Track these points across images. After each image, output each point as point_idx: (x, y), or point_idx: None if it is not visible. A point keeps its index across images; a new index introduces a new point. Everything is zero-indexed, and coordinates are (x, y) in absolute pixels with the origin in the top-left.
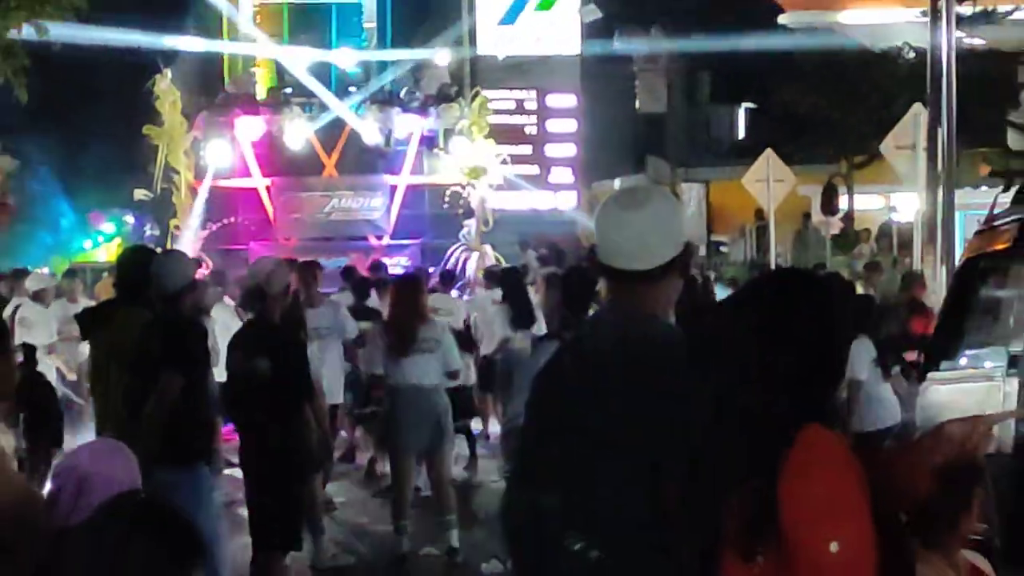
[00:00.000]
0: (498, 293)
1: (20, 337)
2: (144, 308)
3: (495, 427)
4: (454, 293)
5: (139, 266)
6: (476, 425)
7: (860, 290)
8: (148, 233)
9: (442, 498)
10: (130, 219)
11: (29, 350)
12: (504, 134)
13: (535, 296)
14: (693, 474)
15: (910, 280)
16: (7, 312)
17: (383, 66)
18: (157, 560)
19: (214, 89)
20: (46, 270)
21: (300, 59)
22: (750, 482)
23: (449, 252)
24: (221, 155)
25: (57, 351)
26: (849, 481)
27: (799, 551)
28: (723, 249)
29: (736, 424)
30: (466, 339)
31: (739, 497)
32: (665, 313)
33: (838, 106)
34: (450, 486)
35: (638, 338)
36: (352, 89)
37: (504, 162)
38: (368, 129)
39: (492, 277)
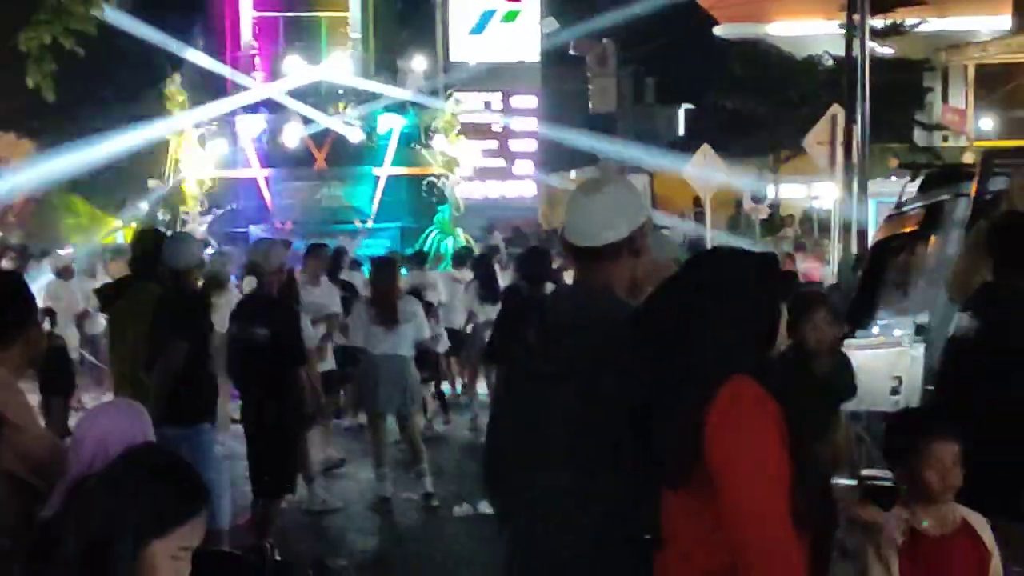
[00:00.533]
0: (466, 273)
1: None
2: (156, 283)
3: (459, 388)
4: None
5: (151, 246)
6: (446, 386)
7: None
8: (160, 218)
9: (415, 450)
10: (144, 206)
11: (50, 314)
12: (474, 130)
13: (502, 275)
14: (638, 431)
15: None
16: (36, 287)
17: (367, 71)
18: (169, 502)
19: (218, 91)
20: (69, 250)
21: (294, 74)
22: (682, 423)
23: (425, 235)
24: (224, 150)
25: (87, 318)
26: (766, 420)
27: (721, 482)
28: (665, 232)
29: (674, 382)
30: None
31: (672, 437)
32: (622, 289)
33: (766, 106)
34: (420, 439)
35: (596, 315)
36: (340, 91)
37: (474, 155)
38: (352, 131)
39: (461, 260)
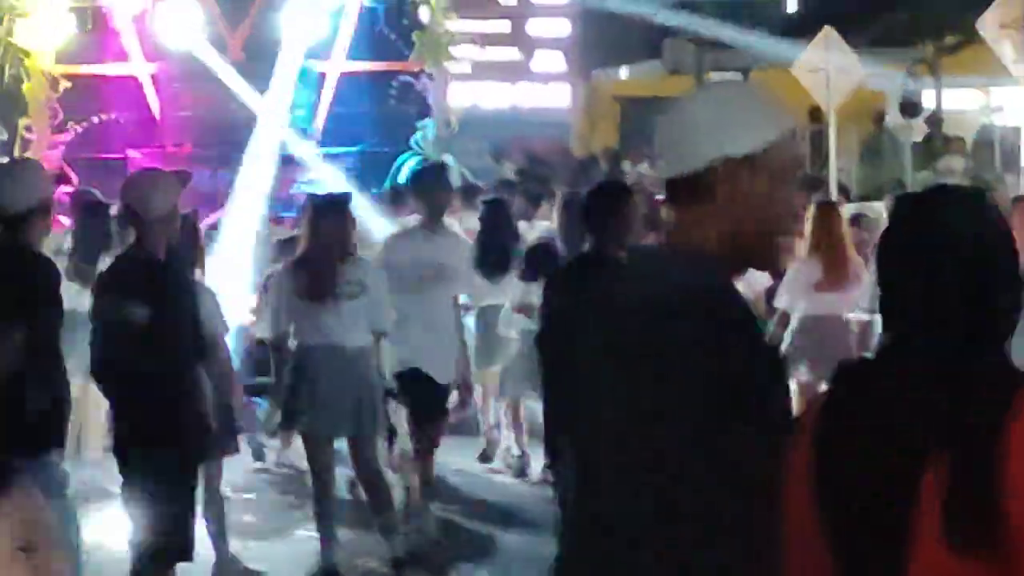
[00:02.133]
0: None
1: None
2: None
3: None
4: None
5: None
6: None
7: None
8: None
9: (375, 494)
10: None
11: None
12: (474, 4)
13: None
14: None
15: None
16: None
17: None
18: None
19: None
20: None
21: None
22: (943, 453)
23: (397, 164)
24: (90, 32)
25: None
26: None
27: None
28: None
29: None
30: None
31: (934, 470)
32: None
33: None
34: (383, 477)
35: (686, 297)
36: None
37: (473, 43)
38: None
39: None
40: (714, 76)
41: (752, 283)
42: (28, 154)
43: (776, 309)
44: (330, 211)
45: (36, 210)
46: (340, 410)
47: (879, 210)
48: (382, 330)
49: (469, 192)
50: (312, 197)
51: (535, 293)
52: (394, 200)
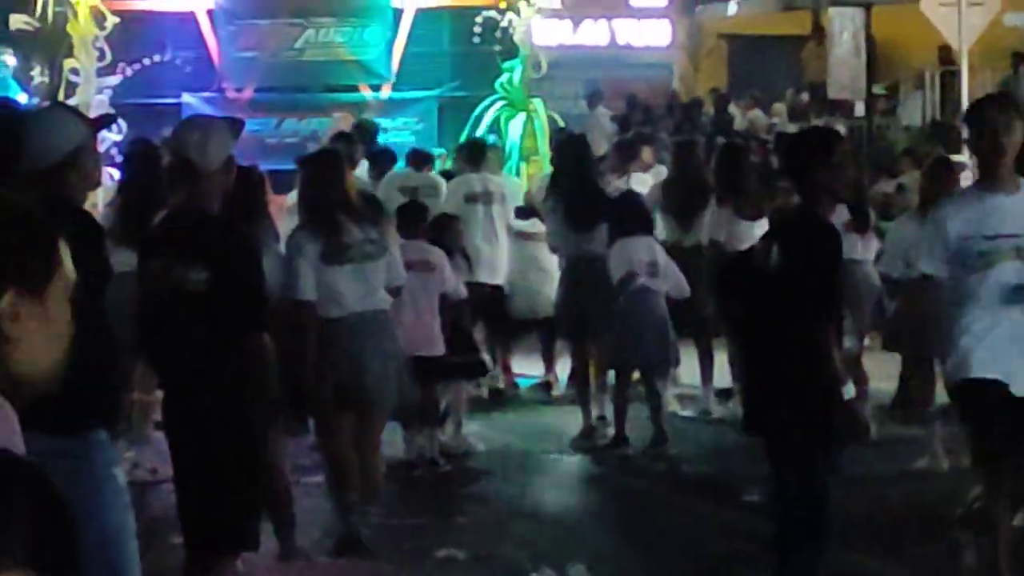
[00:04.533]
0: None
1: None
2: (9, 191)
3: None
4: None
5: (2, 130)
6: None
7: None
8: (37, 80)
9: (367, 477)
10: (9, 59)
11: None
12: None
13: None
14: None
15: None
16: None
17: None
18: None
19: None
20: None
21: None
22: None
23: (479, 111)
24: None
25: None
26: None
27: None
28: (891, 104)
29: None
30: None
31: None
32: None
33: None
34: (381, 462)
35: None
36: None
37: None
38: None
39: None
40: (833, 12)
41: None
42: (73, 99)
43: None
44: (319, 164)
45: (69, 160)
46: (360, 380)
47: None
48: (397, 284)
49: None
50: (305, 157)
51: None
52: (472, 157)
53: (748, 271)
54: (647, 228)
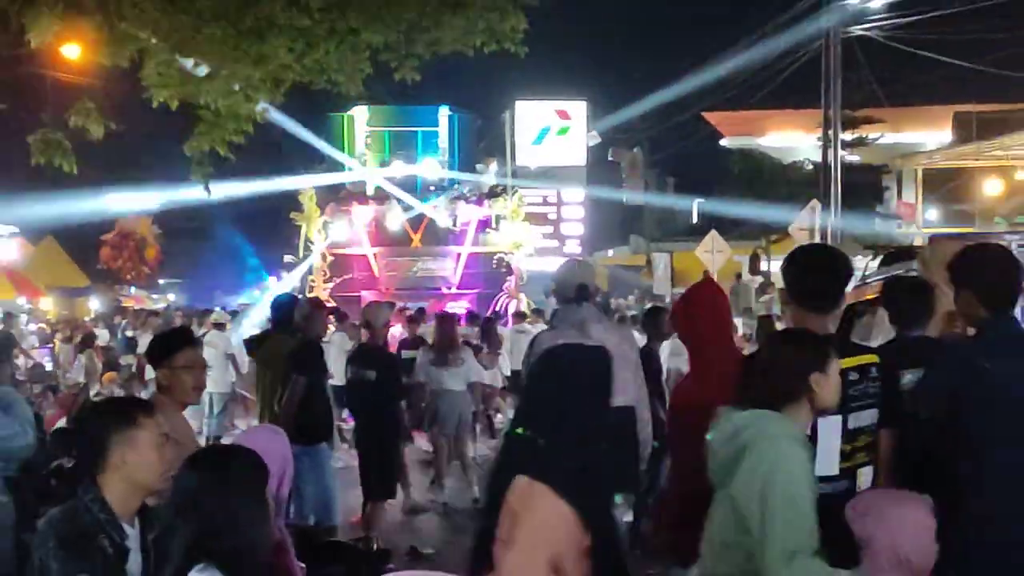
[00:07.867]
0: (530, 327)
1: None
2: (290, 335)
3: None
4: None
5: (287, 309)
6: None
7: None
8: (295, 285)
9: (465, 468)
10: (285, 274)
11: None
12: (534, 218)
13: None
14: None
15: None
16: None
17: (452, 171)
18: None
19: (338, 187)
20: (218, 309)
21: (396, 172)
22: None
23: (496, 298)
24: (342, 232)
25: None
26: None
27: None
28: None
29: None
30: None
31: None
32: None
33: (761, 199)
34: (472, 459)
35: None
36: (432, 188)
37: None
38: (441, 216)
39: (520, 316)
40: (655, 255)
41: None
42: (312, 294)
43: None
44: (444, 321)
45: (308, 320)
46: (450, 422)
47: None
48: (473, 381)
49: (520, 314)
50: (437, 313)
51: None
52: (487, 324)
53: None
54: None
